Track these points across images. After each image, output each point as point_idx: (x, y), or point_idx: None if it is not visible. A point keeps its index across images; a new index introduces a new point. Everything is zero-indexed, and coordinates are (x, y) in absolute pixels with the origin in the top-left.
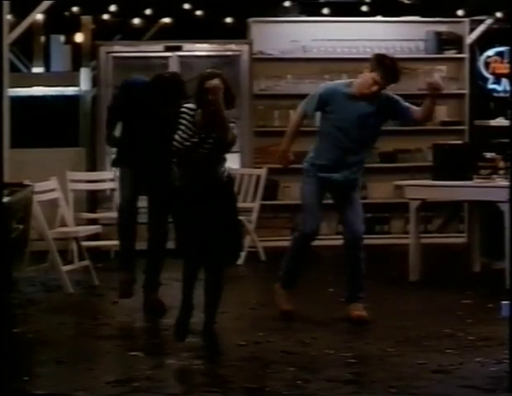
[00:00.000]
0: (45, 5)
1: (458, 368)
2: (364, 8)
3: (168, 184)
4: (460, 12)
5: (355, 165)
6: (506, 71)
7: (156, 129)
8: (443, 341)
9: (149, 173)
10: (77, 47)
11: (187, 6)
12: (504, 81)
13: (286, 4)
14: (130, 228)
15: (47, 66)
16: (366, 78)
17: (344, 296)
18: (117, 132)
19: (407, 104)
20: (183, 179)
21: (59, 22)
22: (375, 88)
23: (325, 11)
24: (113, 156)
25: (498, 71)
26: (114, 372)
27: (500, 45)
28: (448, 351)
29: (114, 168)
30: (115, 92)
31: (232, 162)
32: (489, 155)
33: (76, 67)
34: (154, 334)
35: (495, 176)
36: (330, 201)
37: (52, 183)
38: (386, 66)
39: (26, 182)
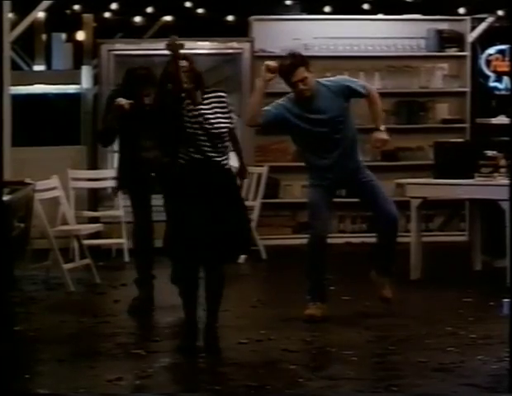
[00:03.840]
0: (46, 3)
1: (459, 366)
2: (366, 6)
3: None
4: (461, 10)
5: (344, 154)
6: (508, 69)
7: (147, 128)
8: (445, 339)
9: (157, 176)
10: (78, 45)
11: (188, 4)
12: (506, 79)
13: (288, 2)
14: (147, 250)
15: (48, 64)
16: (292, 88)
17: (374, 267)
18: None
19: (360, 86)
20: (187, 171)
21: (61, 20)
22: (303, 88)
23: (327, 9)
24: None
25: (499, 69)
26: (115, 370)
27: (502, 43)
28: (449, 349)
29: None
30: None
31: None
32: (490, 153)
33: (77, 65)
34: (155, 332)
35: (496, 174)
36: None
37: (53, 181)
38: (284, 71)
39: (27, 181)
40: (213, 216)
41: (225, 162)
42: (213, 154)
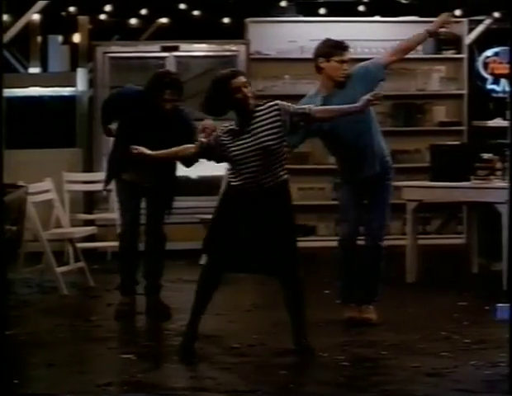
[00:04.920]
0: (40, 4)
1: (453, 371)
2: (361, 8)
3: (166, 186)
4: (458, 12)
5: (374, 152)
6: (505, 71)
7: (153, 137)
8: (439, 343)
9: (148, 177)
10: (74, 47)
11: (183, 6)
12: (503, 81)
13: (283, 4)
14: (132, 253)
15: (44, 66)
16: (332, 68)
17: (356, 297)
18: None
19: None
20: (243, 182)
21: (56, 22)
22: (346, 69)
23: (322, 11)
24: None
25: (497, 71)
26: (105, 375)
27: (499, 45)
28: (442, 354)
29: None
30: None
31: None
32: (486, 156)
33: (73, 67)
34: (146, 337)
35: (492, 177)
36: (325, 202)
37: (47, 184)
38: (334, 44)
39: (20, 183)
40: (259, 228)
41: (279, 180)
42: (264, 177)
